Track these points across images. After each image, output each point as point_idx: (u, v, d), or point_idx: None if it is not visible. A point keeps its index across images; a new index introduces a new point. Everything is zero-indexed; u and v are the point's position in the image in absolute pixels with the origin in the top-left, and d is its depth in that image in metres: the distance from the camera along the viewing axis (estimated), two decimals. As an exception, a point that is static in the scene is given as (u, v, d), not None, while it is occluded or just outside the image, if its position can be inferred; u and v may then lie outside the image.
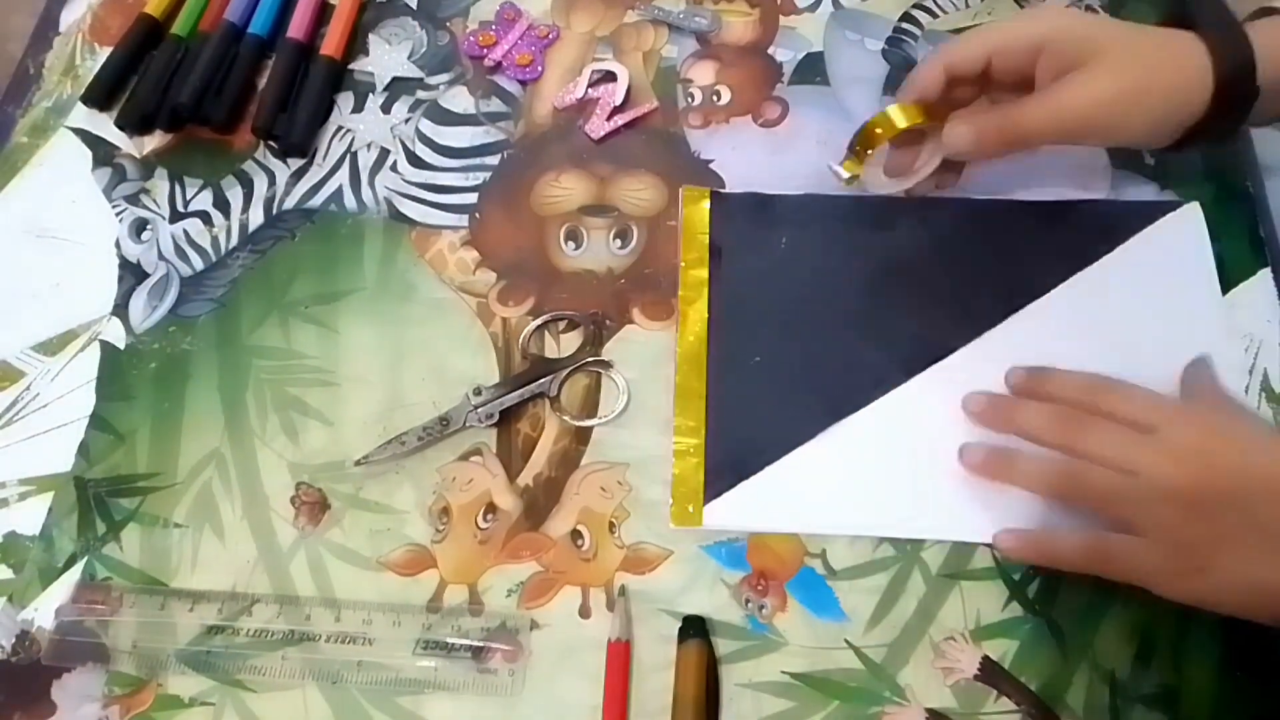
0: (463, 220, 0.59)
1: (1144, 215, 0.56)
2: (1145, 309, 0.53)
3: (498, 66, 0.65)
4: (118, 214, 0.61)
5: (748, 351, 0.53)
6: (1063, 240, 0.55)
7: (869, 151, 0.52)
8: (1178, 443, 0.41)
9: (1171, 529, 0.41)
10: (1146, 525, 0.41)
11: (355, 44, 0.66)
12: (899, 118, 0.51)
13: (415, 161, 0.62)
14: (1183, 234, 0.55)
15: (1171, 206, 0.56)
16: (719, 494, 0.50)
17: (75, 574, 0.51)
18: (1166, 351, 0.49)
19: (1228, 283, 0.54)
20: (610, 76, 0.63)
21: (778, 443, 0.51)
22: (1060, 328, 0.52)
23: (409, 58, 0.66)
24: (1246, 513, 0.39)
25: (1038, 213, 0.56)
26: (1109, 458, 0.42)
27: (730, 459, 0.51)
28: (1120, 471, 0.42)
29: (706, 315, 0.54)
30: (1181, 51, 0.48)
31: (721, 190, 0.59)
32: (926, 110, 0.51)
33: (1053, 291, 0.53)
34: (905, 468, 0.50)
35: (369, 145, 0.62)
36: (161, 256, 0.59)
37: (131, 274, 0.59)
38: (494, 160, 0.61)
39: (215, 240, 0.60)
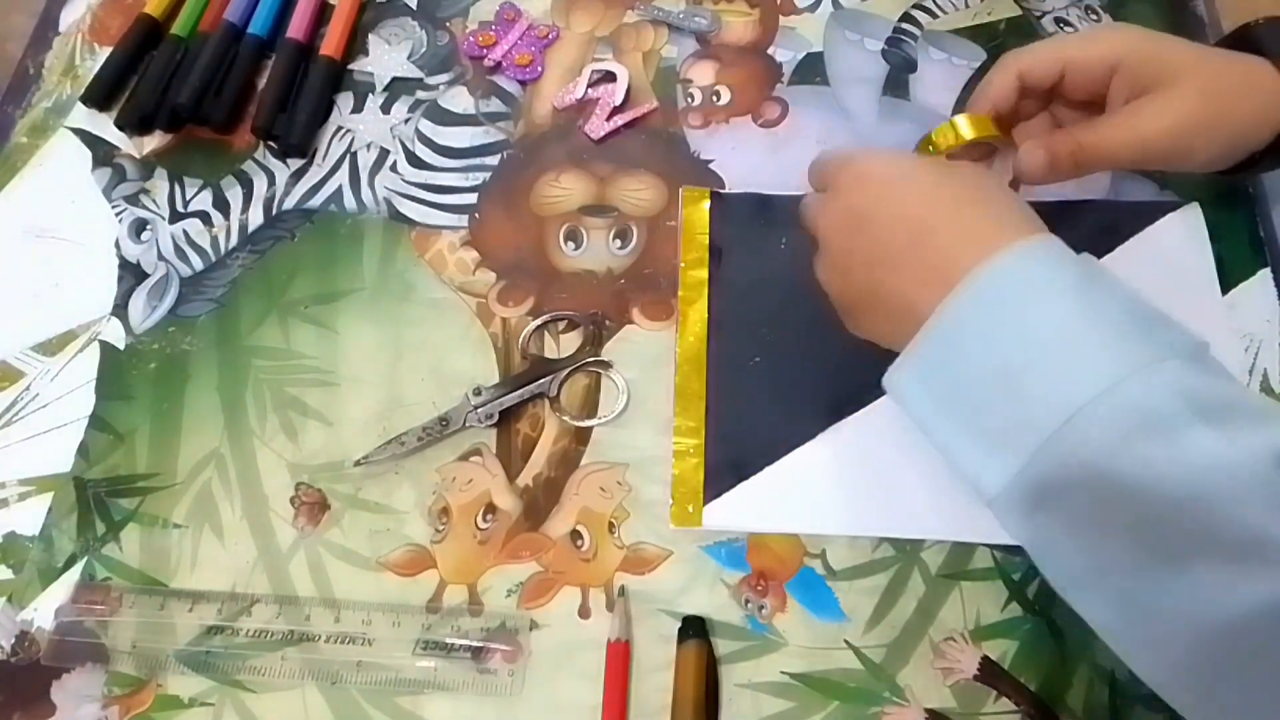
0: (462, 220, 0.59)
1: (1144, 215, 0.56)
2: None
3: (497, 67, 0.65)
4: (117, 214, 0.61)
5: (748, 352, 0.53)
6: (1064, 240, 0.55)
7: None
8: (842, 203, 0.44)
9: (831, 285, 0.45)
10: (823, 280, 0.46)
11: (355, 44, 0.66)
12: (966, 128, 0.47)
13: (415, 162, 0.62)
14: (1183, 234, 0.55)
15: (1172, 206, 0.56)
16: (719, 494, 0.50)
17: (75, 574, 0.51)
18: None
19: (1228, 283, 0.54)
20: (610, 76, 0.63)
21: (777, 443, 0.51)
22: None
23: (409, 58, 0.66)
24: (871, 275, 0.42)
25: (1039, 213, 0.56)
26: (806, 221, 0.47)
27: (730, 459, 0.51)
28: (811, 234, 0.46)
29: (706, 315, 0.54)
30: (1254, 78, 0.47)
31: (721, 190, 0.59)
32: (995, 123, 0.48)
33: None
34: (905, 468, 0.50)
35: (369, 145, 0.62)
36: (161, 256, 0.59)
37: (131, 274, 0.59)
38: (494, 160, 0.61)
39: (215, 240, 0.60)
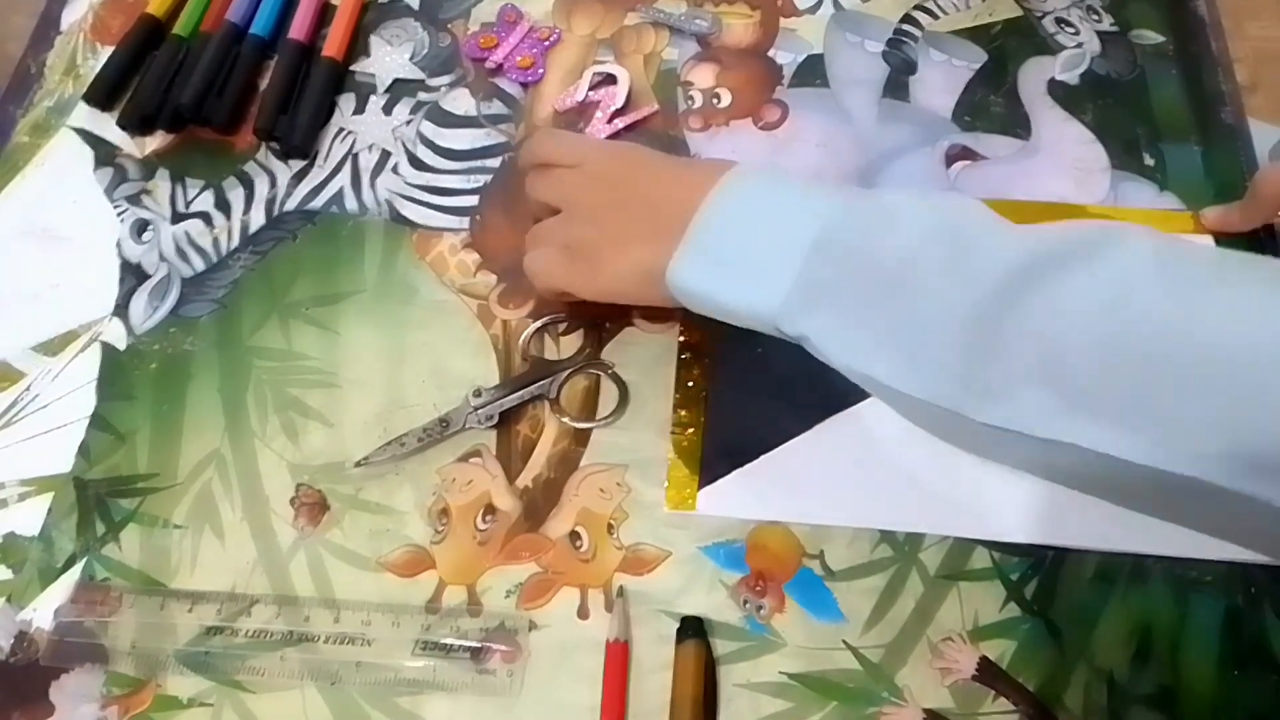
0: (464, 223, 0.59)
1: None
2: None
3: (499, 68, 0.65)
4: (119, 214, 0.61)
5: (750, 343, 0.53)
6: None
7: None
8: (592, 171, 0.50)
9: (581, 237, 0.49)
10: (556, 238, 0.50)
11: (357, 45, 0.67)
12: None
13: (416, 164, 0.62)
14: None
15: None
16: (713, 480, 0.50)
17: (74, 574, 0.51)
18: None
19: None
20: (611, 79, 0.63)
21: (776, 432, 0.51)
22: None
23: (410, 59, 0.66)
24: (630, 213, 0.47)
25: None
26: (549, 196, 0.51)
27: (727, 447, 0.51)
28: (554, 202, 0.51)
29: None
30: None
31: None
32: None
33: None
34: (902, 463, 0.50)
35: (370, 147, 0.63)
36: (162, 257, 0.60)
37: (132, 274, 0.59)
38: (495, 163, 0.61)
39: (216, 241, 0.60)
